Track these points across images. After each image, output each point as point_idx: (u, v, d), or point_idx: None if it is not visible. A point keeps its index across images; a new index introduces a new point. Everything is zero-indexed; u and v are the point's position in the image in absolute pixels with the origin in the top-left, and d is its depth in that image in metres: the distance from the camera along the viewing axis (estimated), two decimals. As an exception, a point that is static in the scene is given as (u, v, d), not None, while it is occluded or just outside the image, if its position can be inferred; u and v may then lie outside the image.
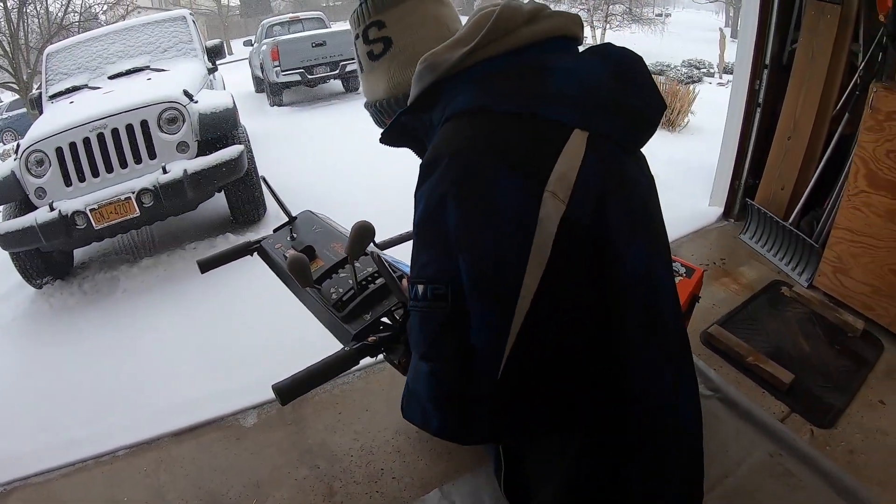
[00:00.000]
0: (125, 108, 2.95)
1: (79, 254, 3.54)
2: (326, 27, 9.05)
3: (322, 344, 2.58)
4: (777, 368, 2.03)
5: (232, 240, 3.50)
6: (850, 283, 2.31)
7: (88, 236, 2.97)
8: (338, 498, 1.71)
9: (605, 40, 12.66)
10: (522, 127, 0.61)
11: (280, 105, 7.87)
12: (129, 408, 2.20)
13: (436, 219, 0.60)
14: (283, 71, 7.54)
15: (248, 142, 3.54)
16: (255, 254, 1.28)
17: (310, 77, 7.69)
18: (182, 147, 3.13)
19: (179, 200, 3.03)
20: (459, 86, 0.65)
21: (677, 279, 1.72)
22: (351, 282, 0.99)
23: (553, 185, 0.57)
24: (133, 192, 2.91)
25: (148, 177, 2.97)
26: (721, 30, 11.46)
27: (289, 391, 0.75)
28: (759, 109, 2.88)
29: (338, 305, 0.96)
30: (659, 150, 4.46)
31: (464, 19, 0.74)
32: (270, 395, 2.10)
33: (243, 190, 3.50)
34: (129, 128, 2.96)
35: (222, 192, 3.47)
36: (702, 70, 9.01)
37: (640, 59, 0.70)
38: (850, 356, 2.14)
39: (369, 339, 0.88)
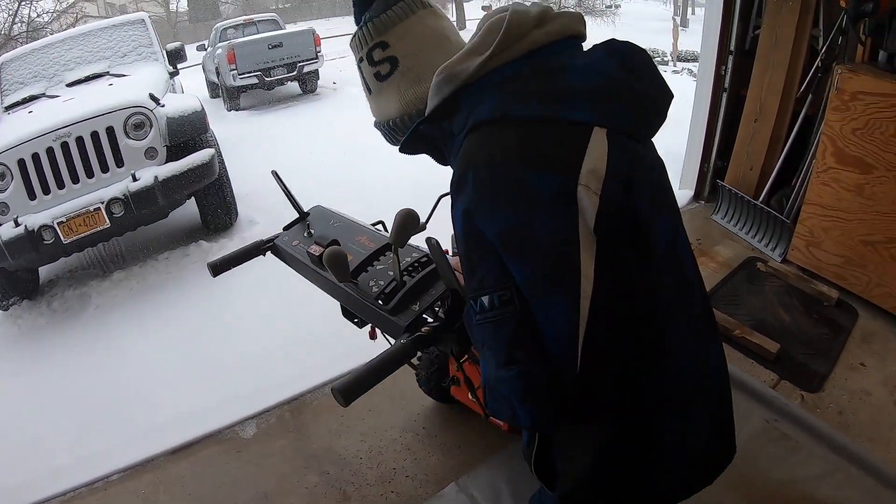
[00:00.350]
0: (89, 114, 2.81)
1: (44, 272, 3.37)
2: (282, 28, 8.87)
3: (313, 348, 2.55)
4: (763, 339, 2.12)
5: (205, 247, 3.40)
6: (823, 256, 2.43)
7: (57, 251, 2.82)
8: (353, 502, 1.69)
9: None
10: (546, 131, 0.63)
11: (238, 109, 7.70)
12: (118, 428, 2.10)
13: (478, 225, 0.62)
14: (239, 74, 7.38)
15: (218, 146, 3.46)
16: (267, 253, 1.24)
17: (267, 79, 7.57)
18: (150, 153, 3.02)
19: (151, 209, 2.93)
20: (479, 94, 0.67)
21: None
22: (391, 273, 0.97)
23: (585, 179, 0.61)
24: (102, 203, 2.78)
25: (117, 185, 2.85)
26: (674, 19, 11.83)
27: (350, 390, 0.73)
28: (725, 94, 2.99)
29: (382, 298, 0.93)
30: None
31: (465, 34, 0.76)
32: (267, 403, 2.13)
33: (215, 195, 3.41)
34: (95, 135, 2.83)
35: (192, 198, 3.37)
36: (656, 59, 9.28)
37: (643, 50, 0.74)
38: (828, 324, 2.26)
39: (423, 329, 0.85)
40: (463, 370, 1.09)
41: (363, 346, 2.25)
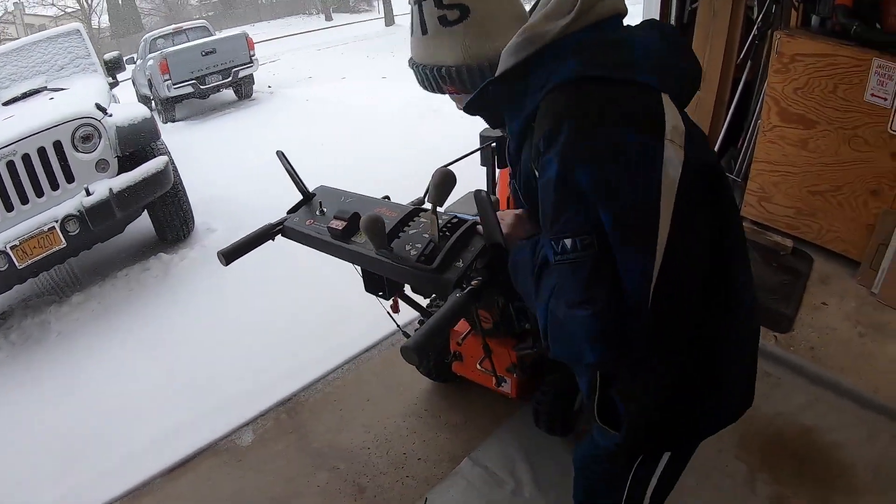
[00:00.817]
0: (34, 130, 2.63)
1: (-3, 303, 3.13)
2: (213, 35, 8.58)
3: (295, 347, 2.50)
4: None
5: (165, 259, 3.27)
6: (775, 209, 2.61)
7: (11, 278, 2.62)
8: (369, 493, 1.68)
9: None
10: (628, 92, 0.68)
11: (174, 121, 7.44)
12: (104, 455, 1.99)
13: (570, 179, 0.65)
14: (174, 84, 7.12)
15: (169, 152, 3.33)
16: (277, 237, 1.21)
17: (202, 87, 7.34)
18: (102, 165, 2.86)
19: (108, 223, 2.79)
20: (559, 56, 0.70)
21: None
22: (426, 236, 0.98)
23: (670, 135, 0.66)
24: (56, 221, 2.62)
25: (70, 202, 2.69)
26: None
27: (421, 346, 0.73)
28: (669, 66, 3.14)
29: (424, 260, 0.94)
30: None
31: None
32: (262, 407, 2.08)
33: (170, 204, 3.28)
34: (42, 151, 2.65)
35: (144, 210, 3.24)
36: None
37: (678, 30, 0.80)
38: (787, 271, 2.43)
39: (473, 283, 0.86)
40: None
41: (346, 342, 2.30)
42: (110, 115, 2.96)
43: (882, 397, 1.73)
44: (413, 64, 0.88)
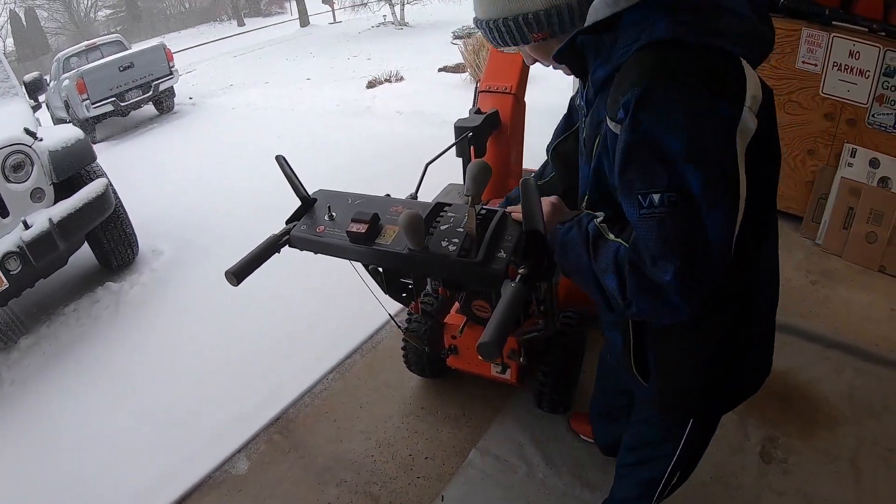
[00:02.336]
0: (-44, 164, 2.39)
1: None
2: (128, 49, 8.08)
3: (272, 363, 2.41)
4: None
5: (115, 289, 3.07)
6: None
7: (-51, 328, 2.39)
8: (384, 500, 1.66)
9: (405, 14, 13.09)
10: (716, 59, 0.70)
11: (94, 142, 6.90)
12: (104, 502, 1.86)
13: (660, 137, 0.68)
14: (93, 104, 6.73)
15: (106, 174, 3.12)
16: (284, 248, 1.17)
17: (122, 104, 6.98)
18: (37, 195, 2.65)
19: (51, 257, 2.59)
20: (653, 13, 0.71)
21: None
22: (461, 230, 0.98)
23: (749, 102, 0.70)
24: None
25: (7, 238, 2.48)
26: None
27: (495, 341, 0.73)
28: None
29: (463, 255, 0.94)
30: (537, 100, 4.73)
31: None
32: (254, 429, 2.00)
33: (113, 229, 3.09)
34: (-31, 186, 2.42)
35: (89, 237, 3.04)
36: None
37: None
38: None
39: (520, 271, 0.87)
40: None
41: (323, 351, 2.24)
42: (41, 140, 2.74)
43: (841, 335, 1.90)
44: (487, 22, 0.86)
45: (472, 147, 1.64)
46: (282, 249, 1.12)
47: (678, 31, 0.69)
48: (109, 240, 3.12)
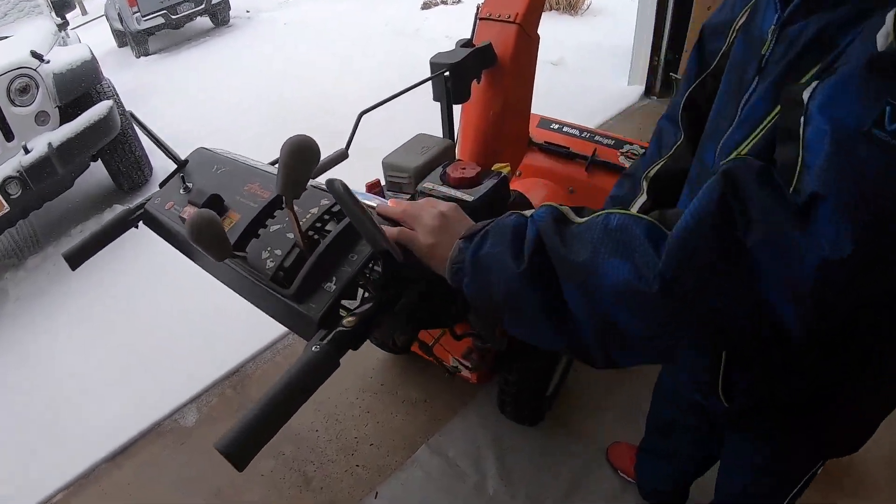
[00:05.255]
0: (-38, 89, 2.36)
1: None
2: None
3: (248, 313, 2.27)
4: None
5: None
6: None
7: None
8: (315, 483, 1.52)
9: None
10: None
11: (147, 55, 6.91)
12: (54, 440, 1.84)
13: None
14: (143, 16, 6.59)
15: (118, 96, 3.05)
16: (141, 223, 0.93)
17: (174, 17, 6.79)
18: (42, 118, 2.60)
19: (51, 181, 2.56)
20: None
21: None
22: (291, 236, 0.67)
23: None
24: None
25: (9, 163, 2.46)
26: None
27: (241, 454, 0.48)
28: (675, -25, 2.70)
29: (279, 278, 0.64)
30: (566, 36, 4.22)
31: None
32: (207, 382, 1.88)
33: (121, 151, 3.05)
34: (-26, 111, 2.41)
35: (98, 159, 3.02)
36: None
37: None
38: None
39: (344, 321, 0.58)
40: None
41: None
42: (47, 62, 2.65)
43: None
44: None
45: (448, 89, 1.28)
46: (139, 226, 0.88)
47: None
48: (117, 162, 3.08)
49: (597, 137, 1.65)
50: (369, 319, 0.59)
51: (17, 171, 2.44)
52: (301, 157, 0.59)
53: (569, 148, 1.62)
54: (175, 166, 0.92)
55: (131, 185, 3.22)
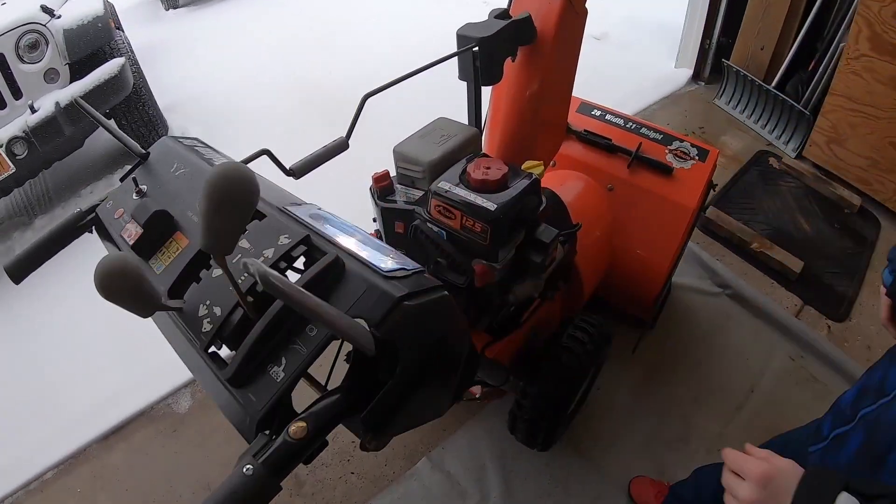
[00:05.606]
0: (-32, 43, 2.25)
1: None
2: None
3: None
4: (787, 256, 1.84)
5: (135, 173, 2.91)
6: (846, 155, 2.09)
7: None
8: (308, 489, 1.43)
9: None
10: None
11: (176, 7, 6.60)
12: (48, 416, 1.79)
13: None
14: None
15: (132, 52, 2.93)
16: (94, 230, 0.81)
17: None
18: (51, 76, 2.51)
19: (58, 141, 2.48)
20: None
21: (689, 163, 1.40)
22: (233, 290, 0.51)
23: None
24: (1, 145, 2.33)
25: (15, 122, 2.38)
26: None
27: None
28: (735, -44, 2.47)
29: (214, 352, 0.51)
30: (613, 7, 3.92)
31: None
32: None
33: (135, 110, 2.94)
34: (-18, 67, 2.30)
35: (111, 119, 2.91)
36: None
37: None
38: (851, 235, 1.97)
39: (291, 429, 0.44)
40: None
41: None
42: (58, 17, 2.54)
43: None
44: None
45: (476, 68, 1.11)
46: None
47: None
48: (130, 122, 2.96)
49: (643, 130, 1.48)
50: (325, 427, 0.45)
51: (23, 131, 2.37)
52: (230, 196, 0.43)
53: (611, 140, 1.45)
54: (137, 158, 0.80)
55: (145, 144, 3.12)
